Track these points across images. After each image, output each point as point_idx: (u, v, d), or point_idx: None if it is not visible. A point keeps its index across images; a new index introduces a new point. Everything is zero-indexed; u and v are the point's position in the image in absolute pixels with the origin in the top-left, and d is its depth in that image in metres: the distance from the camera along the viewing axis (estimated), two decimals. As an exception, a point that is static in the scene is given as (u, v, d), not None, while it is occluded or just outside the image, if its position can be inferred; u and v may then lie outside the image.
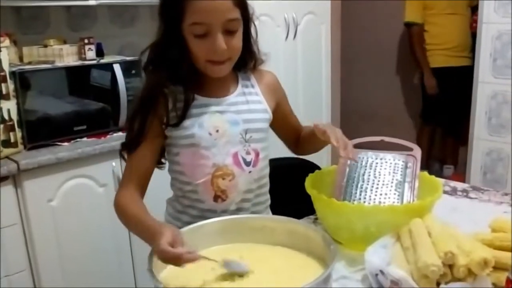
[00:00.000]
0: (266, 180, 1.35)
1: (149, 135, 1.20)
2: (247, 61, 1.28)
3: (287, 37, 2.75)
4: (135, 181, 1.21)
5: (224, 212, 1.25)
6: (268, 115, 1.29)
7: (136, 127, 1.20)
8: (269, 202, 1.38)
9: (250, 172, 1.25)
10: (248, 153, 1.25)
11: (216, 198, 1.24)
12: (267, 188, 1.36)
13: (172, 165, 1.29)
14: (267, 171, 1.34)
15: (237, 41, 1.17)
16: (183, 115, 1.20)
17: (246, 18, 1.19)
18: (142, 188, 1.23)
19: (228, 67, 1.20)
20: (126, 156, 1.25)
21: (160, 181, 1.29)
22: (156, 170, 1.27)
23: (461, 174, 3.47)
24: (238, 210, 1.27)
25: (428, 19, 3.55)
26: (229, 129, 1.23)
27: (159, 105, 1.20)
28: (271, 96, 1.32)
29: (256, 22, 1.25)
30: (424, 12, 3.54)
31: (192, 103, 1.21)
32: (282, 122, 1.38)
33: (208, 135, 1.21)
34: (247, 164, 1.25)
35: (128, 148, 1.23)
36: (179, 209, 1.30)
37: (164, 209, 1.37)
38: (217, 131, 1.22)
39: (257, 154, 1.26)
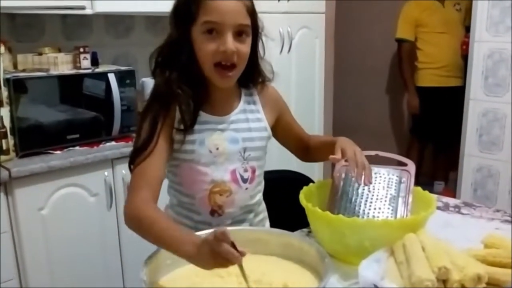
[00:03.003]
0: (260, 195, 1.37)
1: (161, 140, 1.16)
2: (252, 77, 1.28)
3: (281, 50, 2.77)
4: (149, 188, 1.12)
5: (219, 225, 1.25)
6: (267, 133, 1.31)
7: (147, 131, 1.16)
8: (265, 214, 1.39)
9: (246, 188, 1.28)
10: (245, 170, 1.27)
11: (212, 212, 1.26)
12: (261, 201, 1.37)
13: (170, 174, 1.29)
14: (261, 186, 1.37)
15: (245, 47, 1.18)
16: (194, 120, 1.20)
17: (255, 31, 1.21)
18: (155, 197, 1.13)
19: (233, 76, 1.20)
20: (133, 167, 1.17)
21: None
22: None
23: (451, 190, 3.50)
24: (233, 224, 1.28)
25: (421, 36, 3.58)
26: (229, 147, 1.24)
27: (167, 112, 1.18)
28: (272, 110, 1.34)
29: (264, 39, 1.27)
30: (417, 29, 3.57)
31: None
32: (286, 133, 1.41)
33: (208, 153, 1.22)
34: (244, 181, 1.27)
35: (139, 155, 1.15)
36: (174, 217, 1.30)
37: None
38: (217, 148, 1.23)
39: (253, 171, 1.29)
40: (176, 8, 1.19)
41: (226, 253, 0.87)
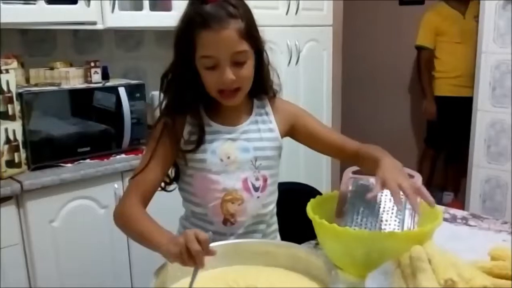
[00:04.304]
0: (274, 205, 1.38)
1: (157, 156, 1.23)
2: (263, 89, 1.31)
3: (289, 63, 2.79)
4: (140, 193, 1.22)
5: (232, 235, 1.27)
6: (279, 143, 1.33)
7: (146, 148, 1.26)
8: (276, 226, 1.41)
9: (258, 197, 1.29)
10: (257, 179, 1.29)
11: (225, 221, 1.28)
12: (274, 212, 1.39)
13: (184, 185, 1.32)
14: (275, 196, 1.38)
15: (246, 72, 1.20)
16: (199, 143, 1.24)
17: (257, 48, 1.22)
18: (145, 202, 1.23)
19: (239, 97, 1.24)
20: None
21: (173, 199, 1.34)
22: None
23: (460, 202, 3.49)
24: (246, 234, 1.30)
25: (439, 45, 3.61)
26: (240, 156, 1.27)
27: (170, 130, 1.24)
28: (284, 120, 1.36)
29: (269, 53, 1.29)
30: (436, 38, 3.59)
31: (207, 129, 1.26)
32: (312, 139, 1.37)
33: (219, 161, 1.25)
34: (256, 189, 1.29)
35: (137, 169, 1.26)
36: (189, 228, 1.32)
37: (175, 227, 1.39)
38: (228, 157, 1.26)
39: (265, 180, 1.31)
40: (176, 37, 1.22)
41: (197, 253, 0.94)
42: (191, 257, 0.95)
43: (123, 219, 1.19)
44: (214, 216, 1.28)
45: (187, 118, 1.26)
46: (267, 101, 1.36)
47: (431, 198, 1.09)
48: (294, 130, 1.37)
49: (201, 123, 1.26)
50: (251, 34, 1.19)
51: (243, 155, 1.28)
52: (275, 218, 1.42)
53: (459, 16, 3.55)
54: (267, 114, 1.34)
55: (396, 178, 1.07)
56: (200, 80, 1.22)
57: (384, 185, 1.07)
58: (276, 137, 1.33)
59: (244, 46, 1.18)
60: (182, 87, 1.23)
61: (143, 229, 1.12)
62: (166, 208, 1.38)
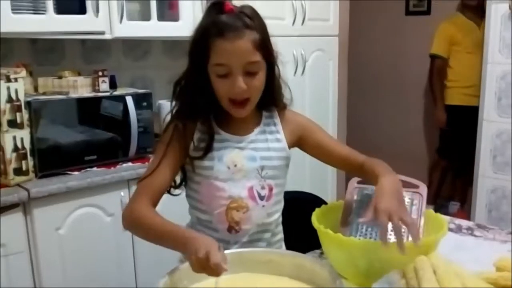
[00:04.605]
0: (279, 214, 1.39)
1: (166, 161, 1.25)
2: (272, 101, 1.33)
3: (295, 72, 2.81)
4: (149, 196, 1.23)
5: (236, 243, 1.28)
6: (286, 153, 1.35)
7: (156, 152, 1.28)
8: (281, 235, 1.41)
9: (263, 206, 1.31)
10: (263, 187, 1.30)
11: (230, 229, 1.29)
12: (279, 222, 1.40)
13: (190, 191, 1.34)
14: (280, 206, 1.38)
15: (258, 82, 1.22)
16: (207, 150, 1.26)
17: (269, 60, 1.24)
18: (154, 204, 1.24)
19: (248, 109, 1.26)
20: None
21: (179, 206, 1.35)
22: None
23: (466, 212, 3.47)
24: (250, 242, 1.31)
25: (453, 55, 3.63)
26: (246, 164, 1.28)
27: (179, 136, 1.26)
28: (292, 132, 1.37)
29: (280, 67, 1.30)
30: (450, 48, 3.61)
31: (216, 137, 1.28)
32: (319, 151, 1.39)
33: (226, 169, 1.27)
34: (261, 198, 1.30)
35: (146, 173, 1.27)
36: None
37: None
38: (235, 165, 1.28)
39: (270, 189, 1.32)
40: (191, 45, 1.24)
41: (217, 266, 0.95)
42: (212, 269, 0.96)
43: (133, 221, 1.20)
44: (219, 223, 1.29)
45: (197, 125, 1.28)
46: (275, 112, 1.37)
47: (417, 236, 1.08)
48: (302, 141, 1.38)
49: (211, 130, 1.27)
50: (265, 45, 1.22)
51: (250, 164, 1.29)
52: (280, 228, 1.43)
53: (474, 27, 3.57)
54: (275, 124, 1.36)
55: (389, 208, 1.07)
56: (212, 88, 1.24)
57: (376, 215, 1.08)
58: (284, 148, 1.34)
59: (257, 57, 1.20)
60: (195, 94, 1.25)
61: (157, 228, 1.14)
62: (173, 214, 1.38)
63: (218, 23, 1.17)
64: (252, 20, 1.19)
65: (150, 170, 1.26)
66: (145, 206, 1.19)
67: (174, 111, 1.30)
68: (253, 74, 1.21)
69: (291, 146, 1.37)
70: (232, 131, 1.31)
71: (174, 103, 1.29)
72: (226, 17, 1.17)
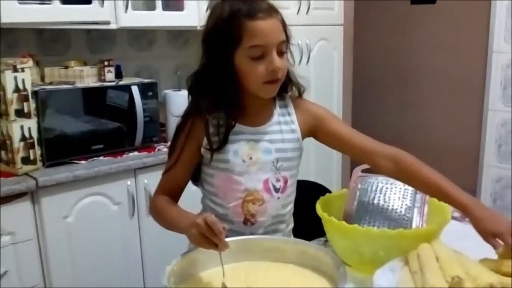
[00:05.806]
0: (292, 205, 1.40)
1: (185, 155, 1.29)
2: (286, 86, 1.33)
3: (300, 62, 2.80)
4: (168, 189, 1.33)
5: (252, 235, 1.29)
6: (299, 144, 1.34)
7: (174, 144, 1.31)
8: (292, 224, 1.43)
9: (278, 198, 1.32)
10: (278, 180, 1.31)
11: (246, 221, 1.30)
12: (292, 212, 1.41)
13: (205, 184, 1.35)
14: (293, 197, 1.40)
15: (285, 62, 1.24)
16: (224, 141, 1.26)
17: (288, 43, 1.26)
18: (175, 198, 1.33)
19: (277, 89, 1.26)
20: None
21: (190, 197, 1.37)
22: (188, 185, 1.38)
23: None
24: (265, 234, 1.32)
25: None
26: (262, 157, 1.28)
27: (197, 130, 1.27)
28: (306, 121, 1.35)
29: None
30: None
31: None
32: (335, 141, 1.33)
33: (241, 162, 1.27)
34: (276, 190, 1.31)
35: (167, 164, 1.34)
36: None
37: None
38: (251, 158, 1.28)
39: (285, 181, 1.32)
40: (213, 33, 1.21)
41: (218, 240, 1.02)
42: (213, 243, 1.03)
43: (155, 211, 1.31)
44: (235, 216, 1.30)
45: (212, 118, 1.26)
46: (289, 100, 1.36)
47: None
48: (317, 132, 1.35)
49: (228, 122, 1.25)
50: (286, 28, 1.24)
51: (265, 157, 1.29)
52: (292, 218, 1.44)
53: None
54: (289, 114, 1.35)
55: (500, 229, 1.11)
56: (233, 78, 1.22)
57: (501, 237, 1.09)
58: (298, 138, 1.34)
59: (284, 37, 1.22)
60: (222, 85, 1.22)
61: (172, 215, 1.24)
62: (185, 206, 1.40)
63: (246, 6, 1.17)
64: (270, 3, 1.22)
65: (171, 164, 1.31)
66: (161, 198, 1.30)
67: (192, 104, 1.29)
68: (282, 54, 1.21)
69: (305, 136, 1.36)
70: (247, 122, 1.29)
71: (190, 96, 1.30)
72: (249, 3, 1.18)
